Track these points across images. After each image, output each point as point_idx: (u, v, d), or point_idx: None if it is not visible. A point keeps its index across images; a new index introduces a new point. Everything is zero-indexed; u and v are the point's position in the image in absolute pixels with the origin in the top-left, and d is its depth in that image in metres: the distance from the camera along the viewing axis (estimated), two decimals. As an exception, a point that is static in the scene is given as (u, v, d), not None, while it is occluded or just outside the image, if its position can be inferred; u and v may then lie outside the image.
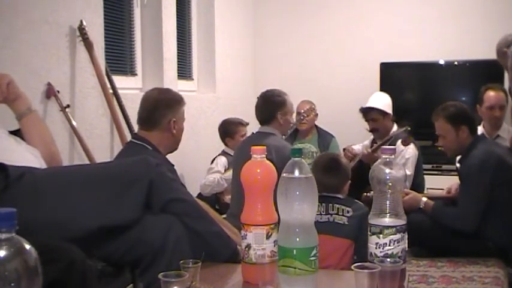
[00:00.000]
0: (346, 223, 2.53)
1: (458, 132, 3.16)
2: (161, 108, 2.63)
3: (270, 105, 3.40)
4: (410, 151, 3.95)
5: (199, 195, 4.00)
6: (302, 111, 4.60)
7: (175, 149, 2.74)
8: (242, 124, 4.31)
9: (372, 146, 4.10)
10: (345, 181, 2.68)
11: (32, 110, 2.22)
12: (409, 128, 3.91)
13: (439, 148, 4.19)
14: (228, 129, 4.29)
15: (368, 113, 4.06)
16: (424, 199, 3.26)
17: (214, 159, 4.23)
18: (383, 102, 4.13)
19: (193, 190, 3.72)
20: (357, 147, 4.42)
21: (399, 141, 3.96)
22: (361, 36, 5.42)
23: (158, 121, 2.62)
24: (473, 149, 3.12)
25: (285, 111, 3.42)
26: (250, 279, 1.56)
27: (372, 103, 4.09)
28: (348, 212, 2.56)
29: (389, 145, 3.88)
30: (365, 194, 3.44)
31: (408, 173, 3.86)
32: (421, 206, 3.23)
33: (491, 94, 3.77)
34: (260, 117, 3.45)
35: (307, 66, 5.57)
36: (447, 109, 3.23)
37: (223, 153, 4.25)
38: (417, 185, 3.96)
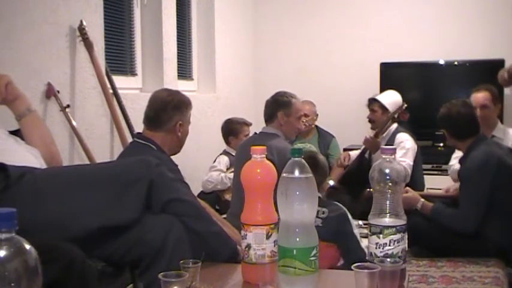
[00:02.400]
0: (320, 225, 2.45)
1: (444, 134, 3.28)
2: (169, 110, 2.60)
3: (274, 104, 3.39)
4: (409, 143, 4.01)
5: (201, 193, 4.03)
6: (304, 115, 4.64)
7: (178, 151, 2.72)
8: (246, 124, 4.34)
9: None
10: (323, 179, 2.64)
11: (31, 110, 2.22)
12: (406, 105, 4.03)
13: (439, 148, 4.22)
14: (232, 129, 4.31)
15: (371, 103, 4.26)
16: (422, 200, 3.26)
17: (216, 158, 4.26)
18: (389, 99, 4.27)
19: (194, 190, 3.72)
20: (354, 153, 4.46)
21: (398, 136, 4.03)
22: (361, 36, 5.42)
23: (165, 122, 2.59)
24: (473, 150, 3.12)
25: (288, 113, 3.36)
26: (250, 279, 1.55)
27: (378, 96, 4.30)
28: (323, 213, 2.50)
29: (387, 143, 3.94)
30: (368, 189, 3.46)
31: (409, 162, 3.90)
32: (418, 207, 3.24)
33: (474, 95, 3.80)
34: (264, 115, 3.44)
35: (307, 66, 5.57)
36: (440, 110, 3.29)
37: (225, 152, 4.27)
38: (415, 181, 3.98)
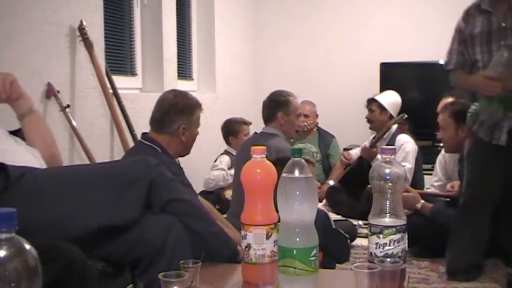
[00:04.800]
0: None
1: (458, 129, 3.21)
2: (173, 113, 2.55)
3: (272, 104, 3.38)
4: (410, 145, 4.03)
5: (203, 192, 4.03)
6: (304, 115, 4.68)
7: (186, 154, 2.68)
8: (245, 123, 4.36)
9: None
10: None
11: (33, 110, 2.21)
12: (406, 116, 4.04)
13: (439, 148, 4.22)
14: (232, 129, 4.33)
15: (369, 103, 4.33)
16: (422, 201, 3.26)
17: (217, 158, 4.27)
18: (388, 99, 4.32)
19: (194, 189, 3.72)
20: (355, 152, 4.47)
21: (398, 137, 4.05)
22: (361, 36, 5.42)
23: (168, 126, 2.54)
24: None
25: (287, 112, 3.36)
26: (250, 279, 1.55)
27: (377, 96, 4.38)
28: None
29: (388, 144, 3.94)
30: (369, 186, 3.46)
31: (409, 166, 3.92)
32: (418, 207, 3.24)
33: (443, 100, 3.87)
34: (263, 116, 3.43)
35: (307, 66, 5.57)
36: (455, 104, 3.28)
37: (226, 152, 4.29)
38: (416, 180, 4.00)
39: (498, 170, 2.85)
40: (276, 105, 3.37)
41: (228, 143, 4.35)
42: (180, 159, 2.65)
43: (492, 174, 2.87)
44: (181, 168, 2.50)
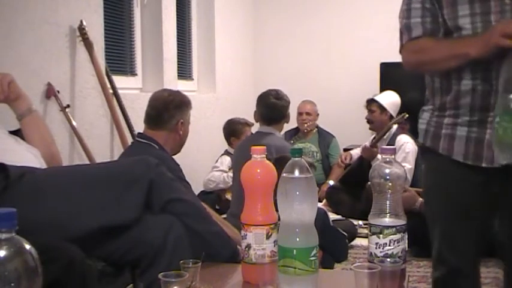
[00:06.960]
0: None
1: None
2: (171, 109, 2.63)
3: (285, 105, 3.43)
4: (410, 146, 4.03)
5: (202, 193, 4.03)
6: (306, 113, 4.69)
7: (179, 151, 2.74)
8: (248, 124, 4.34)
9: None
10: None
11: (32, 110, 2.22)
12: (406, 115, 4.03)
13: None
14: (235, 129, 4.30)
15: (369, 104, 4.33)
16: (421, 200, 3.26)
17: (218, 159, 4.26)
18: (387, 99, 4.32)
19: (194, 190, 3.72)
20: (355, 152, 4.47)
21: (399, 138, 4.05)
22: (361, 36, 5.42)
23: (167, 121, 2.62)
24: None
25: (289, 112, 3.46)
26: (250, 279, 1.55)
27: (376, 96, 4.38)
28: None
29: (388, 144, 3.95)
30: (368, 183, 3.47)
31: (409, 166, 3.93)
32: (417, 206, 3.24)
33: None
34: (272, 116, 3.41)
35: (307, 66, 5.57)
36: None
37: (227, 153, 4.27)
38: (416, 181, 4.00)
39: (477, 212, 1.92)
40: (287, 107, 3.43)
41: (229, 143, 4.33)
42: (180, 158, 2.66)
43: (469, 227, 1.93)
44: (179, 165, 2.52)
